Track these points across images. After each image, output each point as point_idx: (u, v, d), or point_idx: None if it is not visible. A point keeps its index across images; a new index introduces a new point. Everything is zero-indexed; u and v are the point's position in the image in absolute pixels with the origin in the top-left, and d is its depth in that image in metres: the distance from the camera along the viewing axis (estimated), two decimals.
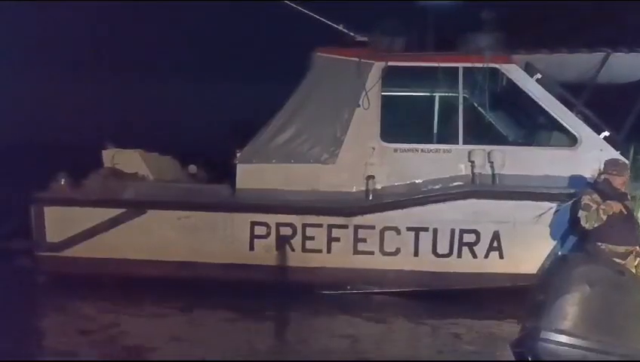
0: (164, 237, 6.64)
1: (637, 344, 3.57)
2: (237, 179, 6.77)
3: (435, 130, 7.63)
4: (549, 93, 6.70)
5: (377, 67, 6.82)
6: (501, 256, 6.42)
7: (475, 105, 7.61)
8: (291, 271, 6.55)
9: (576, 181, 6.28)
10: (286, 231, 6.55)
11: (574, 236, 6.05)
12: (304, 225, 6.53)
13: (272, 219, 6.55)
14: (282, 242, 6.56)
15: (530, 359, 3.54)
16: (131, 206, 6.73)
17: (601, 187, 5.69)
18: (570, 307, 3.48)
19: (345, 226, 6.52)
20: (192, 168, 7.72)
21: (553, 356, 3.46)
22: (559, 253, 6.13)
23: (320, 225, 6.51)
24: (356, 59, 6.85)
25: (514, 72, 6.73)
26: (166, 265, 6.54)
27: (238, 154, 6.81)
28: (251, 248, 6.60)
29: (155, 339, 5.39)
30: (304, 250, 6.56)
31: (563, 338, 3.46)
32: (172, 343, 5.32)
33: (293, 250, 6.57)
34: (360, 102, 6.78)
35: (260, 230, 6.57)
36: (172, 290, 6.37)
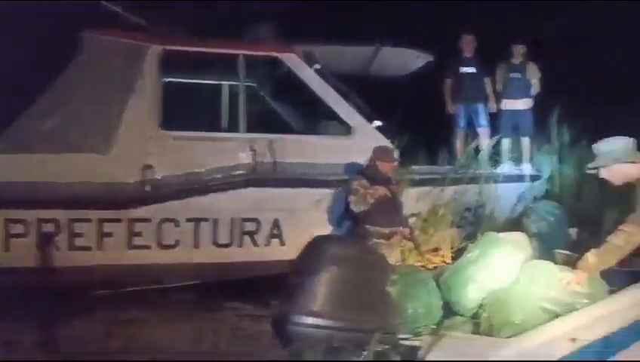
0: None
1: (384, 319, 3.69)
2: None
3: (219, 119, 7.50)
4: (327, 83, 6.88)
5: (154, 51, 6.46)
6: (282, 243, 6.45)
7: (261, 93, 7.61)
8: (57, 272, 5.94)
9: (350, 168, 6.51)
10: (49, 227, 5.94)
11: (349, 220, 6.28)
12: (70, 221, 5.96)
13: (30, 215, 5.88)
14: (45, 241, 5.93)
15: (282, 343, 3.50)
16: None
17: (369, 172, 5.97)
18: (319, 288, 3.49)
19: (118, 220, 6.07)
20: None
21: (302, 339, 3.44)
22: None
23: (89, 220, 6.00)
24: (131, 41, 6.45)
25: (293, 61, 6.80)
26: None
27: None
28: (6, 249, 5.89)
29: None
30: (71, 248, 6.00)
31: (311, 320, 3.45)
32: None
33: (58, 248, 5.97)
34: (135, 88, 6.39)
35: (16, 228, 5.88)
36: None
